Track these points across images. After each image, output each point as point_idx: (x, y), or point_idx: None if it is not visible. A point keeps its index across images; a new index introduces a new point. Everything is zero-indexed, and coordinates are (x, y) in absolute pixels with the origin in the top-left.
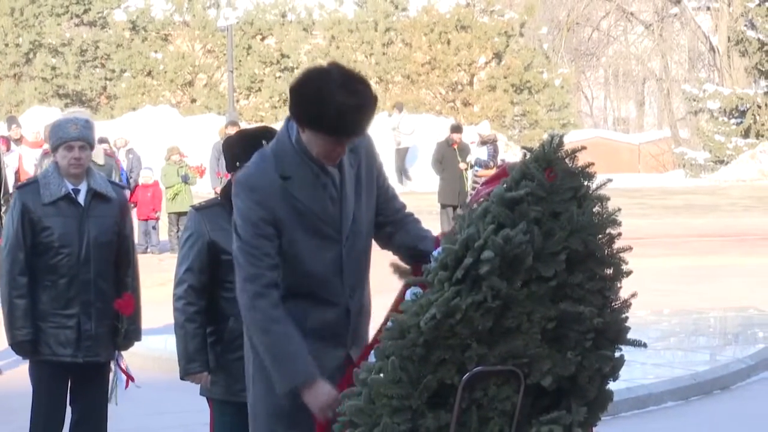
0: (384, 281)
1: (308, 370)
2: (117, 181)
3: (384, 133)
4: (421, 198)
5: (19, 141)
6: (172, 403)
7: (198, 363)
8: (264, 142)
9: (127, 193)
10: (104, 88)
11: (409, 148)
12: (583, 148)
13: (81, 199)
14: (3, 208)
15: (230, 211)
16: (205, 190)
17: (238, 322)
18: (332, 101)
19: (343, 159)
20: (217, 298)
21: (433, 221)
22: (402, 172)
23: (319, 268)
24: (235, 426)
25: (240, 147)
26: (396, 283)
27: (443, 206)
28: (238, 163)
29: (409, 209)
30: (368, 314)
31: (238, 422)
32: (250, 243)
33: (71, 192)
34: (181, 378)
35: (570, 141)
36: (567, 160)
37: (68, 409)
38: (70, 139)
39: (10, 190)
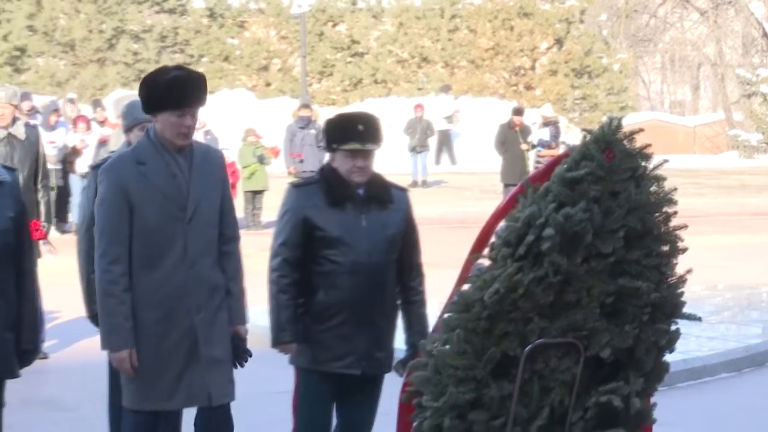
0: (450, 256)
1: (119, 342)
2: None
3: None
4: (484, 177)
5: (103, 123)
6: (243, 373)
7: (288, 333)
8: (360, 126)
9: None
10: None
11: (449, 131)
12: (641, 130)
13: None
14: (40, 193)
15: (326, 190)
16: (280, 169)
17: (328, 295)
18: (164, 75)
19: (196, 157)
20: (309, 272)
21: (496, 200)
22: (440, 153)
23: (165, 241)
24: (319, 394)
25: (336, 129)
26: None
27: (506, 185)
28: (334, 145)
29: (465, 188)
30: (218, 289)
31: (322, 390)
32: (106, 221)
33: None
34: (272, 346)
35: (628, 123)
36: (625, 142)
37: None
38: (146, 120)
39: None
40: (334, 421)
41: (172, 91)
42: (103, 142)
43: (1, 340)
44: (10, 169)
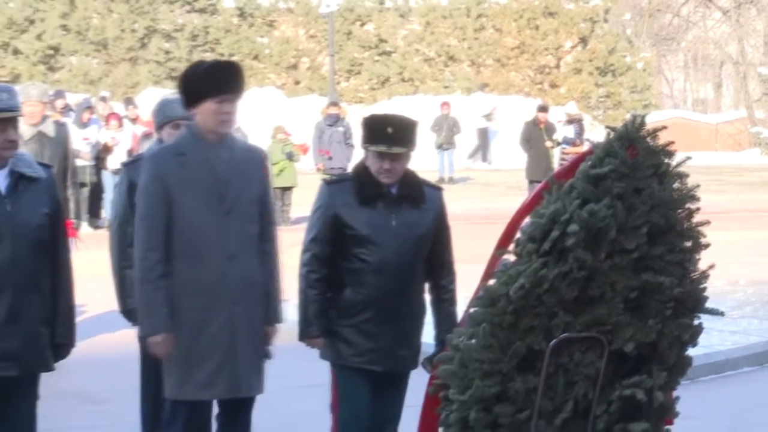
0: (476, 252)
1: (154, 326)
2: None
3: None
4: (510, 174)
5: (135, 120)
6: (273, 366)
7: (316, 327)
8: (389, 129)
9: None
10: None
11: (487, 129)
12: (664, 127)
13: None
14: (69, 190)
15: (357, 188)
16: (308, 166)
17: (355, 292)
18: (201, 67)
19: (237, 153)
20: (338, 268)
21: (521, 196)
22: (480, 152)
23: (203, 231)
24: (356, 385)
25: (368, 129)
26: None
27: (531, 182)
28: (365, 145)
29: (491, 184)
30: (254, 284)
31: (358, 381)
32: (145, 210)
33: None
34: (299, 340)
35: (651, 121)
36: (648, 139)
37: None
38: (176, 117)
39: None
40: None
41: (210, 79)
42: (147, 135)
43: (37, 334)
44: (46, 166)
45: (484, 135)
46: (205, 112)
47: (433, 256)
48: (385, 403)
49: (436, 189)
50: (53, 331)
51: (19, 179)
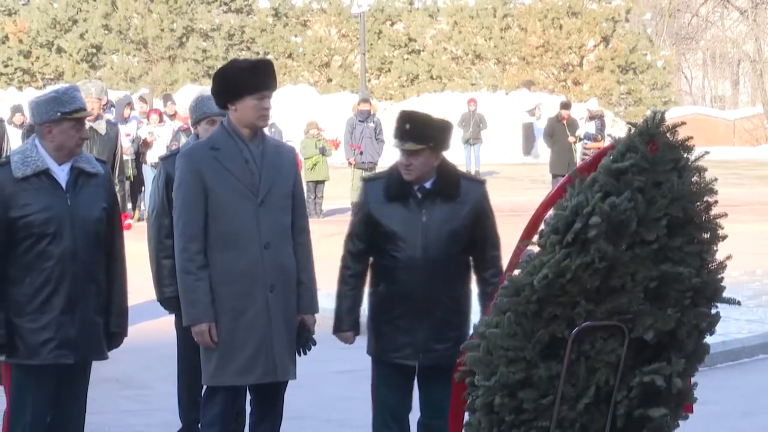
0: (503, 243)
1: (197, 315)
2: None
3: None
4: (533, 168)
5: (173, 116)
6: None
7: (346, 322)
8: (407, 125)
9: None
10: None
11: (533, 124)
12: (683, 123)
13: None
14: (117, 187)
15: (387, 185)
16: (340, 160)
17: (388, 288)
18: (236, 65)
19: (268, 148)
20: (375, 264)
21: (545, 189)
22: (527, 146)
23: (239, 221)
24: (390, 381)
25: (394, 126)
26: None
27: (554, 176)
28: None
29: (515, 178)
30: (289, 272)
31: (394, 377)
32: (183, 203)
33: None
34: (333, 333)
35: (671, 117)
36: (668, 135)
37: None
38: (213, 114)
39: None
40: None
41: (250, 77)
42: (184, 130)
43: (93, 324)
44: (102, 162)
45: (528, 130)
46: (245, 108)
47: (473, 248)
48: (432, 399)
49: (477, 182)
50: (108, 320)
51: (78, 175)
